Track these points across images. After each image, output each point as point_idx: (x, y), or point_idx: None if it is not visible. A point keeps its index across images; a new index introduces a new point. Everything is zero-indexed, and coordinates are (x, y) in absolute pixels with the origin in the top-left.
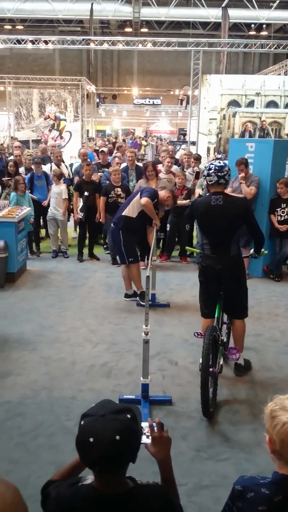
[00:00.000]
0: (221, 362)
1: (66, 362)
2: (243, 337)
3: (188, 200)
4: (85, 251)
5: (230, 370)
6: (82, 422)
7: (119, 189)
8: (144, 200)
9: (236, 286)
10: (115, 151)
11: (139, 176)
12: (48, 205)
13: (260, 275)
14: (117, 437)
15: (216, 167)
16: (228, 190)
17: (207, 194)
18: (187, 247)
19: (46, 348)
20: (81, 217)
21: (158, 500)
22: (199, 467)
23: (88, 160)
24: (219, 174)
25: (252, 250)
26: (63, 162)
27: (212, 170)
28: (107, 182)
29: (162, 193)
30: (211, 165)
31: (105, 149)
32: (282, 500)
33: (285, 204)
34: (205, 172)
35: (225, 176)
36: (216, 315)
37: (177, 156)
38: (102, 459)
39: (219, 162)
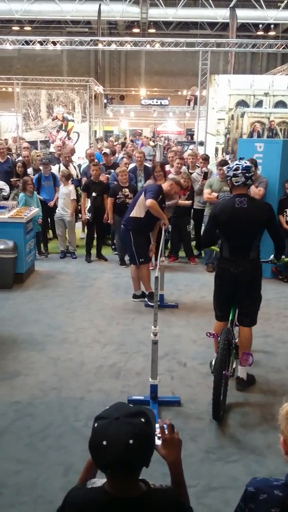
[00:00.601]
0: (234, 365)
1: (74, 362)
2: (250, 345)
3: (190, 201)
4: (93, 251)
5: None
6: (95, 425)
7: (126, 190)
8: (149, 202)
9: (251, 292)
10: (122, 152)
11: (148, 177)
12: (55, 205)
13: (268, 276)
14: (131, 441)
15: (244, 168)
16: None
17: (231, 196)
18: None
19: (55, 349)
20: (88, 217)
21: (170, 505)
22: (209, 468)
23: (96, 160)
24: (247, 175)
25: (272, 256)
26: (72, 162)
27: (240, 171)
28: (115, 183)
29: (165, 185)
30: (238, 165)
31: (108, 151)
32: None
33: None
34: (230, 173)
35: (252, 177)
36: (230, 318)
37: (185, 156)
38: (115, 463)
39: (245, 162)
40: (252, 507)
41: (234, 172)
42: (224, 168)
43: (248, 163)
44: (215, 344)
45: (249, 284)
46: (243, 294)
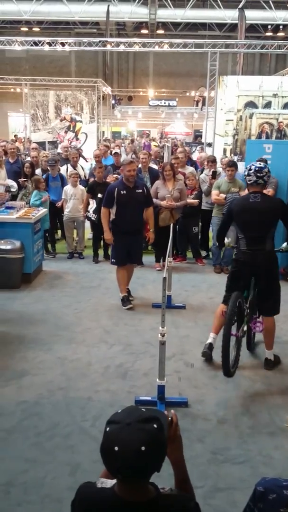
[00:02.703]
0: (245, 328)
1: (81, 362)
2: (273, 333)
3: (197, 200)
4: (101, 252)
5: (245, 374)
6: (107, 429)
7: None
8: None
9: (271, 282)
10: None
11: (153, 178)
12: (62, 206)
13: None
14: (143, 448)
15: (256, 168)
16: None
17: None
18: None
19: (62, 349)
20: (94, 218)
21: (179, 511)
22: (216, 469)
23: (101, 161)
24: (258, 174)
25: (285, 244)
26: (85, 160)
27: (252, 171)
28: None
29: (121, 169)
30: (252, 166)
31: (118, 151)
32: None
33: None
34: (246, 172)
35: (264, 177)
36: (244, 295)
37: (194, 157)
38: (126, 469)
39: (259, 164)
40: (261, 506)
41: (248, 171)
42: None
43: (262, 165)
44: (216, 323)
45: (267, 274)
46: (263, 285)
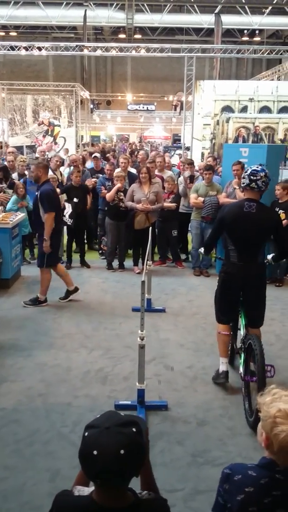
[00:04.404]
0: (241, 370)
1: (61, 368)
2: None
3: (174, 204)
4: (76, 257)
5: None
6: (86, 434)
7: (121, 194)
8: (45, 217)
9: (260, 295)
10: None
11: (132, 182)
12: None
13: None
14: (122, 451)
15: (251, 171)
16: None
17: (240, 200)
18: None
19: (41, 354)
20: (70, 223)
21: None
22: (196, 472)
23: (79, 166)
24: (252, 178)
25: (269, 257)
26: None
27: (247, 173)
28: (102, 187)
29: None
30: (248, 168)
31: (98, 155)
32: (269, 481)
33: (279, 209)
34: (250, 177)
35: (258, 182)
36: (244, 323)
37: (173, 161)
38: (105, 473)
39: (257, 167)
40: (227, 487)
41: (244, 173)
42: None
43: (259, 168)
44: (221, 347)
45: (258, 288)
46: (253, 298)
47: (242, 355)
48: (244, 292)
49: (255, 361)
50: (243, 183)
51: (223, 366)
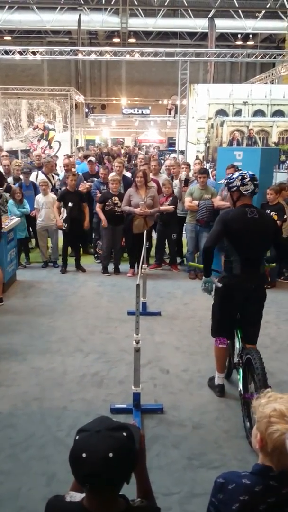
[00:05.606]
0: (240, 387)
1: (57, 372)
2: None
3: (172, 206)
4: (71, 261)
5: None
6: (77, 437)
7: (116, 198)
8: None
9: (260, 308)
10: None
11: (127, 186)
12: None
13: None
14: (111, 455)
15: (252, 176)
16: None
17: (238, 206)
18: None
19: (37, 359)
20: (65, 228)
21: None
22: (192, 475)
23: (73, 170)
24: (255, 182)
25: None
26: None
27: (248, 179)
28: (97, 191)
29: None
30: (244, 174)
31: (93, 159)
32: (263, 489)
33: (270, 211)
34: (237, 182)
35: (253, 186)
36: (240, 336)
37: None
38: (93, 476)
39: (248, 172)
40: (221, 497)
41: (243, 181)
42: (222, 180)
43: (251, 172)
44: (218, 357)
45: (260, 300)
46: (253, 312)
47: (240, 371)
48: (244, 307)
49: (255, 379)
50: (246, 191)
51: (219, 380)
